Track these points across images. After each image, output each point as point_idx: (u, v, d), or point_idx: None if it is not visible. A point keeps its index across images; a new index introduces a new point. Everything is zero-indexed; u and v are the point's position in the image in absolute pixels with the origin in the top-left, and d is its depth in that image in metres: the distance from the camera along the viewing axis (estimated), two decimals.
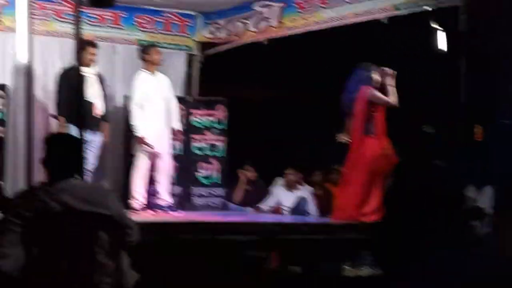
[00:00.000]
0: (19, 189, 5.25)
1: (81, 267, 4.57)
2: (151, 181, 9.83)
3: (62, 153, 4.74)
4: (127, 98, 10.45)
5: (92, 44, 9.76)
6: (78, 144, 5.14)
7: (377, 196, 8.99)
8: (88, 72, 9.55)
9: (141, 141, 9.52)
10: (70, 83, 8.71)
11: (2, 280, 4.63)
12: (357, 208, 8.99)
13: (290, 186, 10.96)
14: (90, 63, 9.67)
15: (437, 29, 8.90)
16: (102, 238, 4.64)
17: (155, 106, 9.68)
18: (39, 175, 4.97)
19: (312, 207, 10.74)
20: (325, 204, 10.56)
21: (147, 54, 9.77)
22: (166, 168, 9.83)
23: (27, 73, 7.98)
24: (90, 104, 9.59)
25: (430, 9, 8.76)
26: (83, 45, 9.37)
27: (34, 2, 8.71)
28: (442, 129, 9.99)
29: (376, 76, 9.15)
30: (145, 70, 9.76)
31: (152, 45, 10.05)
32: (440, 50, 9.01)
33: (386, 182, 8.97)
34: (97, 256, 4.61)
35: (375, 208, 8.95)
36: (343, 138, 9.27)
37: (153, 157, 9.70)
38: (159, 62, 9.81)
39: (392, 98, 9.04)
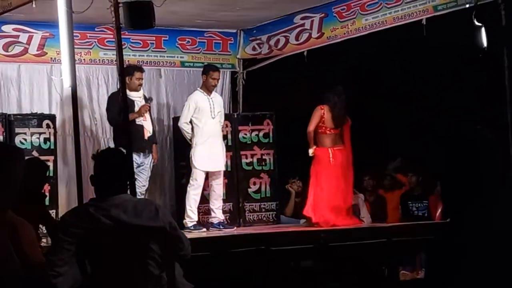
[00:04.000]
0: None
1: (135, 280, 4.61)
2: (203, 199, 9.90)
3: (111, 168, 4.70)
4: (174, 120, 10.58)
5: (139, 69, 9.90)
6: (126, 159, 5.16)
7: None
8: (136, 96, 9.69)
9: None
10: (119, 107, 8.77)
11: None
12: None
13: None
14: (138, 87, 9.80)
15: (479, 25, 8.84)
16: (154, 250, 4.67)
17: (209, 125, 9.77)
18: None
19: (364, 213, 10.70)
20: (378, 209, 10.52)
21: (204, 75, 9.89)
22: (219, 186, 9.91)
23: (73, 101, 8.13)
24: (139, 127, 9.71)
25: (469, 5, 8.72)
26: (130, 71, 9.56)
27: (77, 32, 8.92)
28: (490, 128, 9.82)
29: None
30: (201, 90, 9.89)
31: (211, 68, 10.09)
32: (483, 46, 8.94)
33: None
34: (150, 268, 4.64)
35: None
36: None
37: (208, 175, 9.79)
38: (213, 84, 9.91)
39: None
